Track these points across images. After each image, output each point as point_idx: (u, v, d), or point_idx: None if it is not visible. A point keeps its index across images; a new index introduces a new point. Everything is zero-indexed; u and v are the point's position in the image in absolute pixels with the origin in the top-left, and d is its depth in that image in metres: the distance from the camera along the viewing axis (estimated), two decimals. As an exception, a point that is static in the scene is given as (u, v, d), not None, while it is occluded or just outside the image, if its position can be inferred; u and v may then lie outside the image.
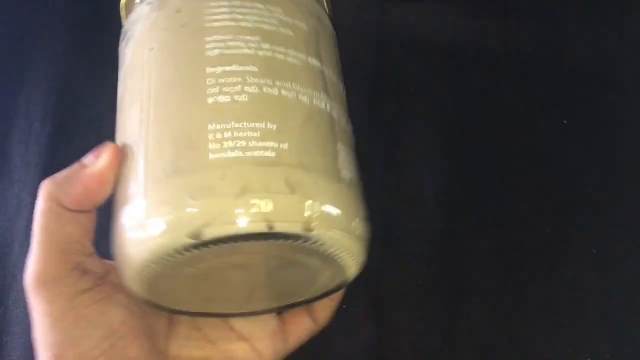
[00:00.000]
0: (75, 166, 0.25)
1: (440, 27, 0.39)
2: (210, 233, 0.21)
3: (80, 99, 0.39)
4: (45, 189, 0.24)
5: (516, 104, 0.37)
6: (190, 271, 0.24)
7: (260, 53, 0.25)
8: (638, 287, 0.34)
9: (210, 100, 0.23)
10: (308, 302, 0.28)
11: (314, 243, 0.23)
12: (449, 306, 0.33)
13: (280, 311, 0.28)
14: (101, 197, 0.24)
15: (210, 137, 0.22)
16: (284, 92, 0.24)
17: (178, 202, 0.22)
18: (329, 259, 0.24)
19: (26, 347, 0.34)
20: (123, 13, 0.30)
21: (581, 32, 0.38)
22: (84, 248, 0.25)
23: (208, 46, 0.24)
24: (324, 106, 0.25)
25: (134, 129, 0.24)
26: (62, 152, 0.38)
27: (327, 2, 0.31)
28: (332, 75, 0.27)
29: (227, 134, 0.22)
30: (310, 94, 0.25)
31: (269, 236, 0.22)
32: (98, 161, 0.24)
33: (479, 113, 0.37)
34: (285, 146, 0.23)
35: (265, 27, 0.25)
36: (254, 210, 0.21)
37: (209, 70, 0.24)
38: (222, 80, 0.24)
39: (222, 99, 0.23)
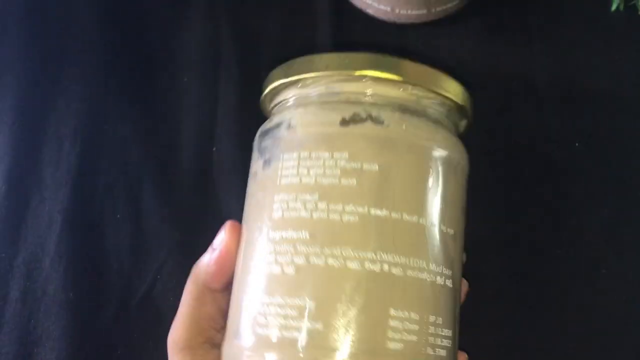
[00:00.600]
0: (209, 250, 0.29)
1: (456, 51, 0.39)
2: None
3: (109, 120, 0.40)
4: (193, 272, 0.30)
5: (529, 127, 0.38)
6: None
7: (315, 215, 0.25)
8: None
9: (266, 270, 0.25)
10: None
11: None
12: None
13: None
14: (230, 271, 0.28)
15: (261, 309, 0.25)
16: (330, 261, 0.24)
17: None
18: None
19: None
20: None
21: (597, 55, 0.38)
22: (217, 324, 0.29)
23: (275, 206, 0.26)
24: (378, 268, 0.24)
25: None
26: (90, 172, 0.39)
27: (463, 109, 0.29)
28: (408, 219, 0.25)
29: (272, 309, 0.24)
30: (362, 257, 0.24)
31: None
32: (222, 241, 0.28)
33: (492, 135, 0.38)
34: (320, 326, 0.23)
35: (326, 180, 0.25)
36: None
37: (271, 235, 0.26)
38: (278, 248, 0.25)
39: (275, 269, 0.25)
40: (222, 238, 0.28)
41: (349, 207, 0.25)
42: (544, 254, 0.36)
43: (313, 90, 0.28)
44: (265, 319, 0.24)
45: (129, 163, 0.39)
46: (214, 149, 0.39)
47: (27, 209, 0.38)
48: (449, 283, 0.26)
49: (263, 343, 0.24)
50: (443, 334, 0.25)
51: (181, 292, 0.30)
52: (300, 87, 0.28)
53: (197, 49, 0.41)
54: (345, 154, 0.25)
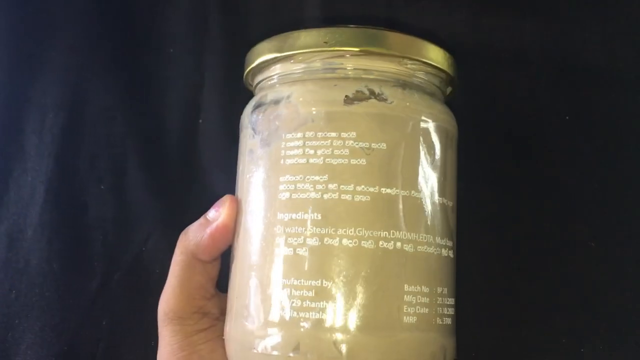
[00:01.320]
0: (202, 221, 0.29)
1: (448, 24, 0.38)
2: None
3: (93, 90, 0.39)
4: (181, 242, 0.30)
5: (520, 100, 0.38)
6: None
7: (326, 196, 0.25)
8: (635, 279, 0.35)
9: (277, 252, 0.25)
10: None
11: None
12: None
13: None
14: (225, 244, 0.29)
15: (275, 292, 0.25)
16: (345, 242, 0.24)
17: (246, 348, 0.25)
18: None
19: (42, 331, 0.36)
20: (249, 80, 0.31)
21: (587, 29, 0.38)
22: (207, 293, 0.30)
23: (281, 187, 0.26)
24: (392, 246, 0.25)
25: (234, 246, 0.28)
26: (74, 142, 0.38)
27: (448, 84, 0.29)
28: (416, 196, 0.25)
29: (287, 291, 0.25)
30: (376, 236, 0.25)
31: None
32: (219, 215, 0.28)
33: (482, 110, 0.38)
34: (338, 306, 0.24)
35: (335, 161, 0.25)
36: None
37: (279, 216, 0.25)
38: (288, 230, 0.25)
39: (286, 251, 0.25)
40: (220, 212, 0.28)
41: (360, 187, 0.25)
42: (532, 227, 0.36)
43: (309, 66, 0.27)
44: (280, 301, 0.25)
45: (114, 134, 0.38)
46: (200, 120, 0.37)
47: (9, 179, 0.38)
48: (451, 254, 0.27)
49: (279, 324, 0.24)
50: (448, 303, 0.26)
51: (168, 264, 0.30)
52: (293, 62, 0.27)
53: (183, 20, 0.39)
54: (353, 134, 0.25)
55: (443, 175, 0.27)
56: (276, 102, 0.27)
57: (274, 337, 0.25)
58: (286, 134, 0.26)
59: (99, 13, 0.40)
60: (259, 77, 0.29)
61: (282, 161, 0.26)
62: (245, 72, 0.30)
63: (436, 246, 0.26)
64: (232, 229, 0.28)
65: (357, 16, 0.39)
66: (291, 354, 0.24)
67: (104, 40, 0.39)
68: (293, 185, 0.25)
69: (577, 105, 0.37)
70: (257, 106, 0.28)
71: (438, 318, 0.26)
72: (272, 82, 0.28)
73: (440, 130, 0.27)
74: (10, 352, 0.36)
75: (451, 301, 0.27)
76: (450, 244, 0.27)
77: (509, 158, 0.37)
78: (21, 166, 0.38)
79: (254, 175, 0.27)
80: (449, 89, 0.31)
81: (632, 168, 0.36)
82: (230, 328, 0.27)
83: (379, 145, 0.25)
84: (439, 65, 0.28)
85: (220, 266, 0.30)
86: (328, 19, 0.38)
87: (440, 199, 0.27)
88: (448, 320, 0.26)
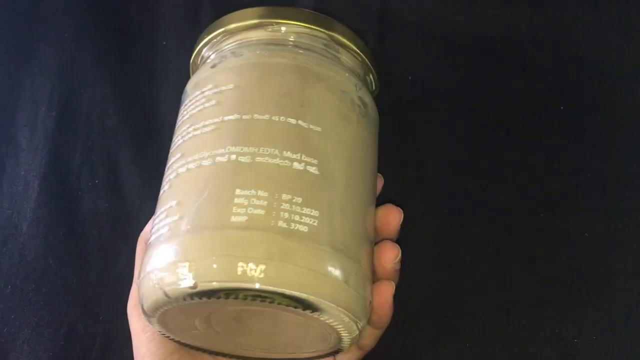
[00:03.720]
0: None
1: (441, 13, 0.38)
2: (201, 287, 0.24)
3: (85, 82, 0.38)
4: (141, 238, 0.30)
5: (515, 89, 0.37)
6: (198, 314, 0.27)
7: (186, 137, 0.29)
8: (629, 270, 0.34)
9: (160, 192, 0.29)
10: None
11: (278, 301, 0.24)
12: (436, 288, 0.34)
13: None
14: None
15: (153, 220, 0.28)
16: (190, 166, 0.27)
17: (175, 260, 0.26)
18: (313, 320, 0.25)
19: (38, 326, 0.35)
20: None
21: (582, 18, 0.38)
22: None
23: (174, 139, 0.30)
24: (225, 159, 0.26)
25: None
26: (67, 135, 0.37)
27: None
28: (257, 117, 0.27)
29: (155, 221, 0.28)
30: (213, 155, 0.27)
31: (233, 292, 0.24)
32: None
33: (478, 99, 0.37)
34: (176, 217, 0.26)
35: (195, 110, 0.29)
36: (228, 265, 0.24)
37: (167, 166, 0.30)
38: (165, 173, 0.29)
39: (161, 191, 0.29)
40: None
41: (208, 121, 0.28)
42: (526, 217, 0.35)
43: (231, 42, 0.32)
44: (155, 230, 0.27)
45: (108, 127, 0.38)
46: None
47: (2, 174, 0.38)
48: (313, 170, 0.27)
49: (149, 250, 0.27)
50: (304, 212, 0.26)
51: None
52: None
53: (176, 12, 0.40)
54: (210, 86, 0.29)
55: (300, 104, 0.28)
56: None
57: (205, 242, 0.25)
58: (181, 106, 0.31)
59: (90, 5, 0.40)
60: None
61: (176, 125, 0.31)
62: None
63: (284, 159, 0.26)
64: None
65: (350, 6, 0.39)
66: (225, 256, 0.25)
67: (96, 33, 0.39)
68: (177, 137, 0.30)
69: (571, 94, 0.37)
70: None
71: (281, 221, 0.25)
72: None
73: (293, 67, 0.29)
74: (6, 348, 0.35)
75: (312, 212, 0.26)
76: (312, 161, 0.27)
77: (502, 148, 0.36)
78: (14, 160, 0.38)
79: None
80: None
81: (627, 157, 0.35)
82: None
83: (227, 87, 0.29)
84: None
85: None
86: (319, 10, 0.39)
87: (295, 120, 0.27)
88: (301, 227, 0.25)
